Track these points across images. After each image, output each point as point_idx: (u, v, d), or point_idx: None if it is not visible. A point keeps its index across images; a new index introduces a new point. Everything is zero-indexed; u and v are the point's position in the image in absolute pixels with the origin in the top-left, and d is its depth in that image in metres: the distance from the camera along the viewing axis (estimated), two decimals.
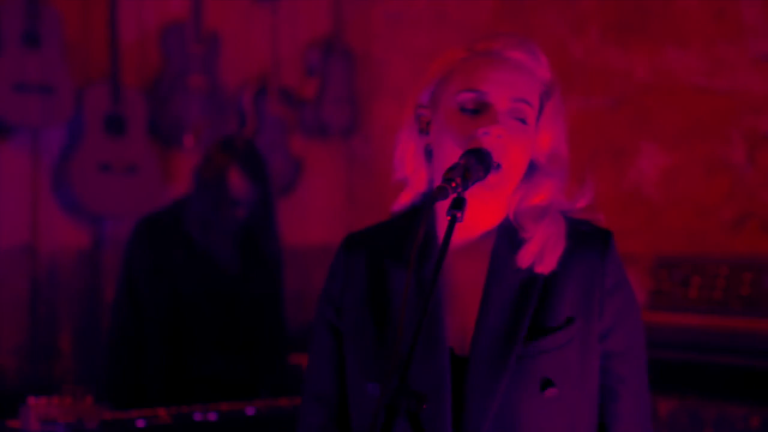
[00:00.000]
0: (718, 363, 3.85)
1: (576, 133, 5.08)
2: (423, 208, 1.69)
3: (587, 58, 4.85)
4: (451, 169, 1.69)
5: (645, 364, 1.89)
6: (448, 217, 1.66)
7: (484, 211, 1.83)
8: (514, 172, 1.80)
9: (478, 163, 1.72)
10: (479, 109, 1.78)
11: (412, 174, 1.88)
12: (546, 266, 1.80)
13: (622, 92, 4.74)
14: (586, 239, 1.84)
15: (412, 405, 1.49)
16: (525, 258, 1.81)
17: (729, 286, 3.95)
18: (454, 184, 1.67)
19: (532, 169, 1.85)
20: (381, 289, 1.84)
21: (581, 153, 4.76)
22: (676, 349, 3.92)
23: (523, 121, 1.79)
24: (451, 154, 1.77)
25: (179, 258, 3.65)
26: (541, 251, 1.80)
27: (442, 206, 1.77)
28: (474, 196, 1.75)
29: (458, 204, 1.67)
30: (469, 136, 1.77)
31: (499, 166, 1.77)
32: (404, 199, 1.90)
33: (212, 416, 3.07)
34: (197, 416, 3.07)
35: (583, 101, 4.85)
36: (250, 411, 3.16)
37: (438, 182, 1.71)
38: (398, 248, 1.85)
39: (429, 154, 1.85)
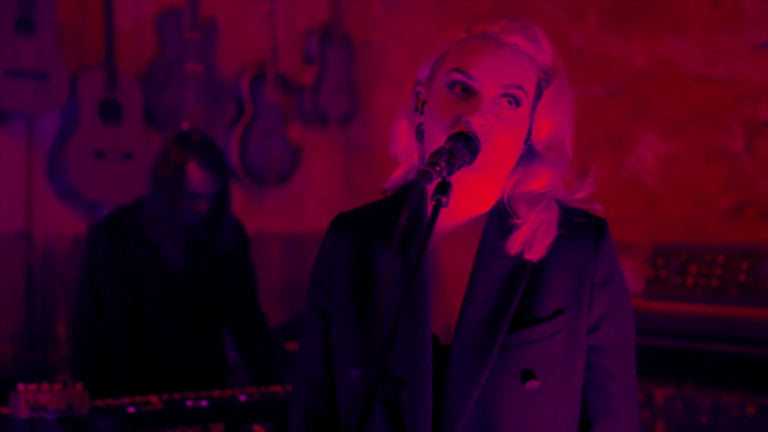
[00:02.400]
0: (714, 351, 3.84)
1: (575, 121, 5.05)
2: (409, 191, 1.66)
3: (586, 47, 4.83)
4: (436, 152, 1.67)
5: (634, 359, 1.84)
6: (433, 202, 1.63)
7: (474, 194, 1.80)
8: (499, 157, 1.76)
9: (464, 147, 1.69)
10: (466, 94, 1.75)
11: (403, 151, 1.85)
12: (535, 253, 1.75)
13: (621, 80, 4.72)
14: (580, 229, 1.78)
15: (392, 391, 1.46)
16: (515, 244, 1.76)
17: (726, 274, 3.94)
18: (438, 168, 1.63)
19: (532, 154, 1.81)
20: (367, 271, 1.81)
21: (580, 141, 4.76)
22: (673, 336, 3.91)
23: (513, 108, 1.75)
24: (436, 136, 1.75)
25: (141, 258, 3.63)
26: (531, 238, 1.75)
27: (432, 188, 1.73)
28: (460, 179, 1.73)
29: (443, 189, 1.64)
30: (453, 120, 1.74)
31: (483, 149, 1.73)
32: (396, 176, 1.88)
33: (204, 403, 3.05)
34: (189, 402, 3.05)
35: (582, 89, 4.83)
36: (242, 398, 3.15)
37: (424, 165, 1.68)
38: (386, 230, 1.81)
39: (421, 133, 1.82)
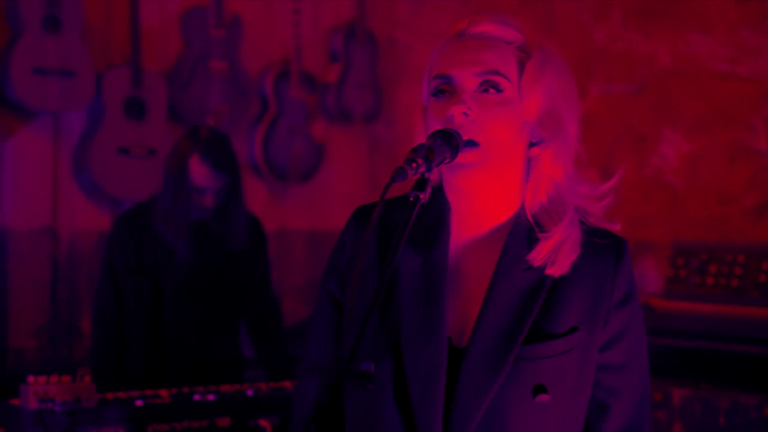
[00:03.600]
0: (732, 351, 3.82)
1: (598, 119, 5.04)
2: (384, 188, 1.66)
3: (610, 44, 4.81)
4: (414, 149, 1.67)
5: (644, 381, 1.84)
6: (411, 199, 1.64)
7: (489, 196, 1.80)
8: (497, 146, 1.75)
9: (444, 143, 1.69)
10: (449, 95, 1.77)
11: None
12: (558, 269, 1.76)
13: (645, 78, 4.70)
14: (600, 249, 1.80)
15: (359, 384, 1.48)
16: (538, 257, 1.76)
17: (746, 274, 3.91)
18: (414, 165, 1.64)
19: (531, 142, 1.80)
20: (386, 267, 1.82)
21: (603, 139, 4.75)
22: (691, 337, 3.89)
23: (496, 91, 1.75)
24: None
25: (159, 253, 3.67)
26: (556, 253, 1.76)
27: (451, 189, 1.79)
28: (464, 174, 1.75)
29: (421, 185, 1.64)
30: (443, 121, 1.75)
31: (473, 142, 1.73)
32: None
33: (211, 396, 3.08)
34: (196, 396, 3.08)
35: (605, 87, 4.81)
36: (249, 392, 3.17)
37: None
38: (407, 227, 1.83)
39: None
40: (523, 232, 1.79)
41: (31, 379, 2.86)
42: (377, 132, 5.46)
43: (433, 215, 1.83)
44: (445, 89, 1.77)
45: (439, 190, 1.86)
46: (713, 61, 4.51)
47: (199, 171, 3.61)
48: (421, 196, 1.63)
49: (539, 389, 1.72)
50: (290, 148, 5.05)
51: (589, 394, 1.79)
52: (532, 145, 1.80)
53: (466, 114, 1.74)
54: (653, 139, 4.67)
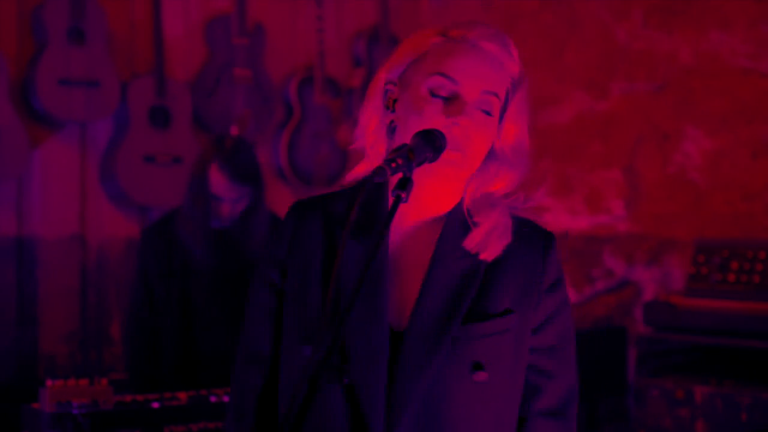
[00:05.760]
0: (754, 348, 3.81)
1: (621, 118, 5.03)
2: (363, 185, 1.70)
3: (631, 43, 4.81)
4: (397, 149, 1.71)
5: (573, 364, 1.93)
6: (392, 198, 1.67)
7: (439, 194, 1.86)
8: (474, 159, 1.83)
9: (426, 144, 1.73)
10: (449, 98, 1.80)
11: (370, 147, 1.89)
12: (490, 253, 1.84)
13: (667, 76, 4.70)
14: (531, 238, 1.89)
15: (336, 376, 1.52)
16: (472, 244, 1.84)
17: (767, 270, 3.90)
18: (394, 165, 1.67)
19: (493, 158, 1.87)
20: (332, 255, 1.87)
21: (626, 138, 4.74)
22: (713, 334, 3.88)
23: (488, 113, 1.82)
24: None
25: (189, 259, 3.73)
26: (487, 239, 1.84)
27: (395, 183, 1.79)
28: (433, 173, 1.79)
29: (403, 184, 1.67)
30: (439, 122, 1.78)
31: (457, 148, 1.79)
32: (359, 171, 1.92)
33: (227, 398, 3.12)
34: (212, 398, 3.13)
35: (627, 86, 4.81)
36: None
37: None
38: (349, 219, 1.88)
39: (392, 130, 1.87)
40: (458, 222, 1.86)
41: (49, 382, 2.92)
42: None
43: (374, 206, 1.87)
44: (446, 93, 1.80)
45: (383, 183, 1.88)
46: (734, 57, 4.50)
47: (217, 180, 3.66)
48: (402, 195, 1.67)
49: (477, 366, 1.79)
50: (315, 153, 5.09)
51: (523, 376, 1.87)
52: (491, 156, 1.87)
53: (465, 127, 1.79)
54: (676, 137, 4.66)
